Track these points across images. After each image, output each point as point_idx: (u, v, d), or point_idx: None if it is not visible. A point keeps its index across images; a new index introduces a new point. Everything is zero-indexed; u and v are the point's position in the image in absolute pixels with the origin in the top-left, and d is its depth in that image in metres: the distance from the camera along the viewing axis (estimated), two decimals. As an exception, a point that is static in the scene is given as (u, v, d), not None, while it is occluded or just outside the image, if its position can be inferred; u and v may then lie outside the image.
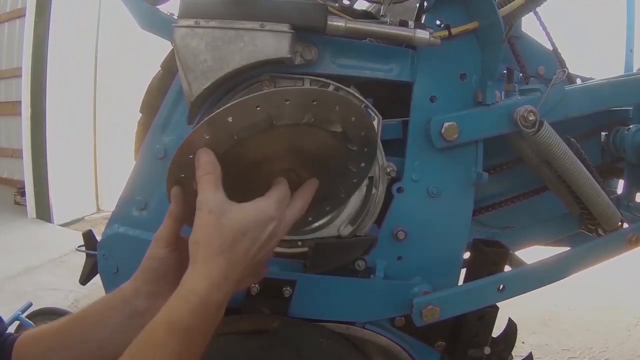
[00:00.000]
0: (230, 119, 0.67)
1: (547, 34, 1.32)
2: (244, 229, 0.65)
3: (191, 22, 0.83)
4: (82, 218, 4.74)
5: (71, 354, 0.74)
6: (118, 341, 0.69)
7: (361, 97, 0.93)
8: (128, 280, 0.76)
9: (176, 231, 0.75)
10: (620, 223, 1.06)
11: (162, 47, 1.00)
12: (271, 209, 0.68)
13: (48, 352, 0.74)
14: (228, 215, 0.65)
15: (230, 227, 0.64)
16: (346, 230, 0.94)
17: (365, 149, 0.79)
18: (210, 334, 0.64)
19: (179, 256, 0.74)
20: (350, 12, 0.99)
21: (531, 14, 1.15)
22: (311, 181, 0.77)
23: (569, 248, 1.13)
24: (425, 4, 0.97)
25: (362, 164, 0.81)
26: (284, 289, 0.95)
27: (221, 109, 0.68)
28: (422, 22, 0.96)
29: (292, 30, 0.83)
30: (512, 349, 1.14)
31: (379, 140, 0.93)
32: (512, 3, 1.00)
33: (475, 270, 1.04)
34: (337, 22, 0.85)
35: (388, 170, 0.93)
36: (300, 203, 0.74)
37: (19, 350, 0.75)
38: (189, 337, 0.60)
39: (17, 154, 4.92)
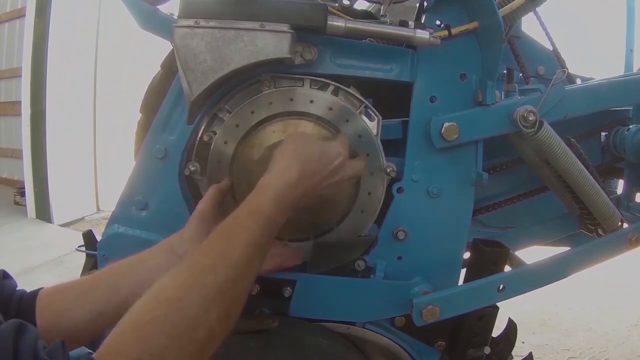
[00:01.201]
0: None
1: (547, 34, 1.32)
2: (319, 152, 0.81)
3: (191, 22, 0.83)
4: (82, 218, 4.73)
5: (99, 301, 0.76)
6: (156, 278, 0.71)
7: (361, 97, 0.94)
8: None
9: (223, 196, 0.90)
10: (620, 223, 1.06)
11: (162, 47, 1.00)
12: (340, 147, 0.84)
13: (75, 303, 0.75)
14: (308, 141, 0.83)
15: (309, 147, 0.81)
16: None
17: None
18: (279, 227, 0.75)
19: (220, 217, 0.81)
20: (350, 12, 0.99)
21: (531, 14, 1.15)
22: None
23: (569, 248, 1.13)
24: (425, 4, 0.97)
25: None
26: (284, 289, 0.95)
27: None
28: (422, 22, 0.96)
29: (292, 30, 0.83)
30: (512, 349, 1.14)
31: (378, 141, 0.93)
32: (512, 3, 1.00)
33: (475, 270, 1.03)
34: (337, 22, 0.85)
35: (388, 170, 0.93)
36: (361, 164, 0.88)
37: (42, 305, 0.74)
38: (266, 222, 0.71)
39: (17, 154, 4.92)
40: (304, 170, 0.78)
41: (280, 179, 0.76)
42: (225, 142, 0.92)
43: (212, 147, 0.93)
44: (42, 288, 0.77)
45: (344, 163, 0.84)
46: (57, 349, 0.51)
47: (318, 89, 0.92)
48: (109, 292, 0.77)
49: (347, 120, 0.91)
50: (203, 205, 0.87)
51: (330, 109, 0.91)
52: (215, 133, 0.93)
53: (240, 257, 0.66)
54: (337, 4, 0.95)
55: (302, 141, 0.83)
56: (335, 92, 0.93)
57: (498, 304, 1.02)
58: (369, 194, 0.94)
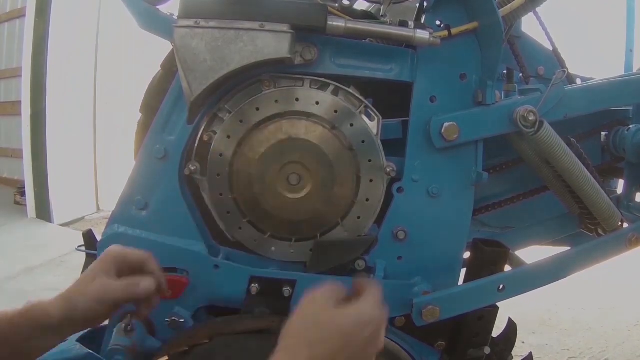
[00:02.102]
0: None
1: (547, 34, 1.32)
2: (341, 328, 0.64)
3: (191, 22, 0.83)
4: (82, 218, 4.73)
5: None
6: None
7: (361, 97, 0.94)
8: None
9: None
10: (620, 223, 1.06)
11: (162, 47, 1.00)
12: (378, 312, 0.67)
13: None
14: (328, 314, 0.66)
15: (327, 324, 0.65)
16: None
17: None
18: None
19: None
20: (350, 12, 0.99)
21: (531, 14, 1.15)
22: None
23: (569, 248, 1.13)
24: (425, 4, 0.97)
25: None
26: (284, 288, 0.95)
27: None
28: (422, 22, 0.96)
29: (292, 31, 0.83)
30: (512, 349, 1.14)
31: (378, 141, 0.93)
32: (512, 3, 1.00)
33: (475, 270, 1.04)
34: (337, 22, 0.85)
35: (388, 170, 0.93)
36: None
37: None
38: None
39: (17, 154, 4.92)
40: (315, 356, 0.63)
41: None
42: (228, 137, 0.92)
43: (212, 145, 0.93)
44: None
45: (380, 324, 0.67)
46: None
47: (318, 89, 0.92)
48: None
49: (352, 125, 0.91)
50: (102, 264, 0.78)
51: (336, 111, 0.91)
52: (215, 133, 0.93)
53: None
54: (337, 4, 0.95)
55: (321, 314, 0.67)
56: (335, 92, 0.93)
57: (498, 304, 1.02)
58: (367, 200, 0.94)
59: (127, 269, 0.80)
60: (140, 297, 0.79)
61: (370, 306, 0.67)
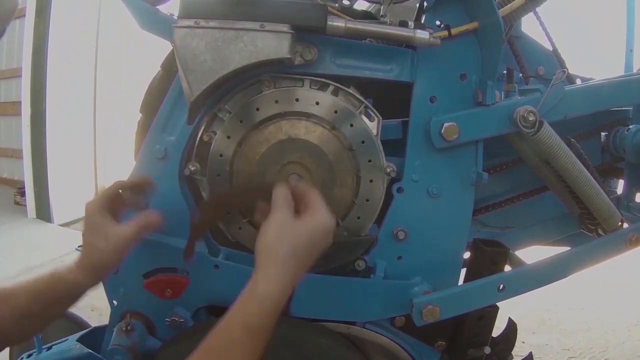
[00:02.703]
0: None
1: (547, 34, 1.32)
2: (314, 237, 0.74)
3: (191, 22, 0.83)
4: (82, 218, 4.73)
5: (22, 307, 0.80)
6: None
7: (361, 98, 0.94)
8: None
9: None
10: (620, 223, 1.06)
11: (162, 47, 1.00)
12: (331, 220, 0.77)
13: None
14: (299, 226, 0.73)
15: (304, 235, 0.73)
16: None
17: None
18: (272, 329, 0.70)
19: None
20: (350, 13, 0.99)
21: (531, 14, 1.15)
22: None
23: (569, 248, 1.13)
24: (425, 4, 0.97)
25: None
26: (284, 289, 0.95)
27: None
28: (422, 22, 0.96)
29: (292, 31, 0.83)
30: (512, 348, 1.14)
31: (378, 141, 0.93)
32: (512, 3, 1.00)
33: (475, 270, 1.04)
34: (337, 23, 0.85)
35: (388, 170, 0.93)
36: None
37: None
38: (261, 335, 0.68)
39: (17, 154, 4.91)
40: (301, 265, 0.73)
41: (277, 284, 0.70)
42: (228, 137, 0.92)
43: (212, 145, 0.93)
44: None
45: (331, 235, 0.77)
46: None
47: (318, 89, 0.92)
48: (40, 324, 0.84)
49: (352, 125, 0.91)
50: (99, 196, 0.87)
51: (336, 111, 0.91)
52: (215, 133, 0.93)
53: None
54: (337, 4, 0.95)
55: (294, 227, 0.74)
56: (335, 93, 0.93)
57: (498, 304, 1.02)
58: (367, 200, 0.95)
59: (117, 207, 0.89)
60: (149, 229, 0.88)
61: (323, 213, 0.76)
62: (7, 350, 1.54)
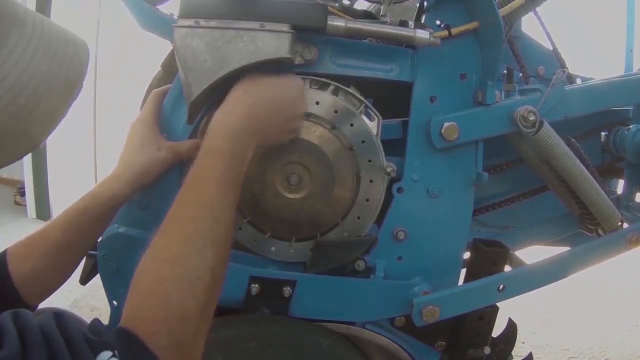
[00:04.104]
0: None
1: (547, 34, 1.32)
2: (269, 84, 0.82)
3: (191, 22, 0.83)
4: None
5: (68, 265, 0.87)
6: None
7: (361, 97, 0.94)
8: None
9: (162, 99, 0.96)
10: (620, 223, 1.06)
11: (162, 47, 1.00)
12: (294, 81, 0.85)
13: (47, 266, 0.83)
14: (260, 79, 0.82)
15: (260, 82, 0.81)
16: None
17: None
18: (246, 160, 0.77)
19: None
20: (351, 12, 0.99)
21: (531, 14, 1.15)
22: None
23: (569, 248, 1.13)
24: (425, 4, 0.97)
25: None
26: (284, 289, 0.95)
27: None
28: (422, 22, 0.96)
29: (292, 30, 0.83)
30: (512, 349, 1.14)
31: (378, 141, 0.93)
32: (512, 3, 1.00)
33: (475, 270, 1.04)
34: (337, 22, 0.85)
35: (388, 170, 0.93)
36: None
37: (15, 263, 0.81)
38: (228, 158, 0.73)
39: (17, 154, 4.91)
40: (254, 100, 0.79)
41: (228, 115, 0.77)
42: None
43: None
44: (7, 248, 0.83)
45: (300, 95, 0.85)
46: (98, 328, 0.58)
47: (318, 88, 0.92)
48: (75, 256, 0.88)
49: (352, 125, 0.92)
50: (145, 112, 0.91)
51: (336, 111, 0.91)
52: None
53: (215, 197, 0.69)
54: (337, 4, 0.95)
55: (253, 80, 0.82)
56: (335, 92, 0.93)
57: (498, 304, 1.02)
58: (367, 200, 0.95)
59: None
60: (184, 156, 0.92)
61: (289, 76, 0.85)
62: (7, 350, 1.54)
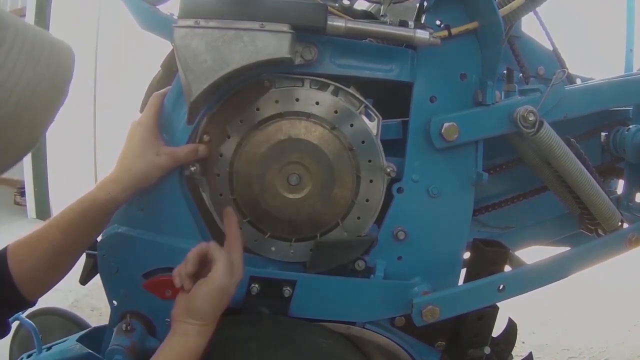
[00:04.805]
0: None
1: (547, 34, 1.32)
2: (214, 302, 0.82)
3: (191, 22, 0.83)
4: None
5: (70, 263, 0.88)
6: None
7: (361, 97, 0.94)
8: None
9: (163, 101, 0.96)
10: (620, 223, 1.06)
11: (162, 47, 1.00)
12: (242, 272, 0.87)
13: (48, 265, 0.84)
14: (228, 290, 0.83)
15: (228, 297, 0.84)
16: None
17: None
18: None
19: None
20: (350, 12, 0.99)
21: (531, 14, 1.15)
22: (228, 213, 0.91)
23: (569, 248, 1.13)
24: (425, 4, 0.97)
25: None
26: (284, 289, 0.95)
27: None
28: (422, 22, 0.96)
29: (292, 31, 0.83)
30: (512, 348, 1.14)
31: (378, 141, 0.93)
32: (512, 3, 0.99)
33: (475, 270, 1.04)
34: (337, 22, 0.85)
35: (388, 170, 0.93)
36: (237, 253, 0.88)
37: (15, 260, 0.82)
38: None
39: (17, 154, 4.91)
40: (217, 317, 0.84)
41: (203, 340, 0.82)
42: (228, 137, 0.92)
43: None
44: (7, 245, 0.84)
45: (234, 282, 0.85)
46: None
47: (318, 89, 0.92)
48: (73, 256, 0.89)
49: (352, 125, 0.92)
50: (145, 116, 0.92)
51: (336, 111, 0.91)
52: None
53: None
54: (337, 4, 0.95)
55: (219, 296, 0.83)
56: (335, 92, 0.93)
57: (498, 304, 1.02)
58: (366, 200, 0.95)
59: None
60: (183, 162, 0.92)
61: (241, 269, 0.86)
62: (7, 350, 1.55)
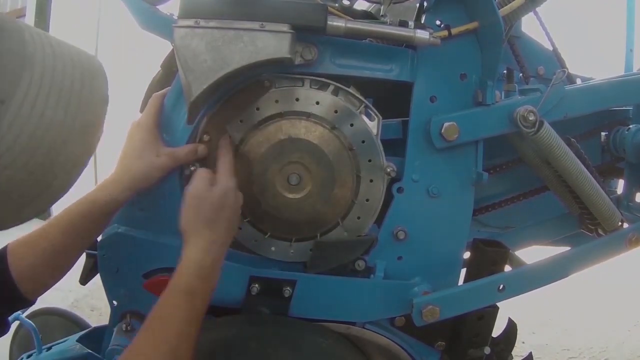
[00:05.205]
0: None
1: (547, 34, 1.32)
2: (219, 204, 0.83)
3: (191, 22, 0.83)
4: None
5: (69, 264, 0.89)
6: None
7: (361, 97, 0.94)
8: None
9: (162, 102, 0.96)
10: (620, 223, 1.06)
11: (162, 47, 1.00)
12: (228, 181, 0.86)
13: (47, 266, 0.85)
14: (206, 197, 0.83)
15: (210, 205, 0.83)
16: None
17: None
18: (210, 292, 0.81)
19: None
20: (350, 13, 0.99)
21: (531, 14, 1.15)
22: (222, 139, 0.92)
23: (569, 248, 1.13)
24: (425, 4, 0.97)
25: None
26: (284, 289, 0.95)
27: None
28: (422, 22, 0.96)
29: (292, 31, 0.83)
30: (512, 348, 1.14)
31: (378, 141, 0.93)
32: (512, 3, 0.99)
33: (475, 270, 1.03)
34: (337, 23, 0.85)
35: (388, 170, 0.93)
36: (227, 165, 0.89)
37: (15, 258, 0.83)
38: (192, 296, 0.77)
39: (17, 154, 4.91)
40: (214, 229, 0.83)
41: (195, 248, 0.81)
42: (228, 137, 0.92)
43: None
44: (8, 244, 0.85)
45: (235, 187, 0.87)
46: None
47: (318, 89, 0.92)
48: (72, 256, 0.89)
49: (352, 125, 0.92)
50: (145, 117, 0.92)
51: (336, 111, 0.91)
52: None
53: (177, 335, 0.74)
54: (337, 4, 0.95)
55: (202, 200, 0.84)
56: (335, 92, 0.93)
57: (498, 304, 1.02)
58: (367, 200, 0.95)
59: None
60: (183, 162, 0.92)
61: (222, 180, 0.86)
62: (6, 350, 1.55)
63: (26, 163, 0.48)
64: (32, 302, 0.87)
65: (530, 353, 1.19)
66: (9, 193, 0.49)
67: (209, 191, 0.84)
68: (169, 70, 1.01)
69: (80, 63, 0.56)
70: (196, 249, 0.81)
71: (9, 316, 0.88)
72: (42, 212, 0.54)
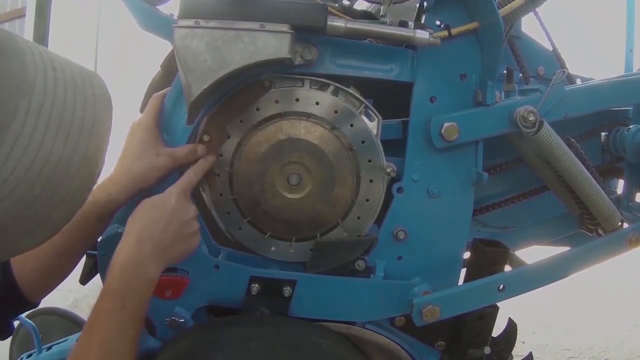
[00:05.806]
0: None
1: (547, 34, 1.32)
2: (147, 217, 0.83)
3: (191, 22, 0.83)
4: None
5: (71, 266, 0.90)
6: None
7: (361, 98, 0.94)
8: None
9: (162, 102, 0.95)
10: (620, 223, 1.06)
11: (162, 47, 1.00)
12: (175, 193, 0.85)
13: (51, 267, 0.87)
14: (149, 202, 0.84)
15: (145, 212, 0.84)
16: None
17: None
18: (143, 290, 0.80)
19: None
20: (350, 13, 0.99)
21: (531, 14, 1.15)
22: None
23: (569, 248, 1.13)
24: (425, 4, 0.97)
25: None
26: (284, 288, 0.95)
27: None
28: (422, 22, 0.96)
29: (292, 31, 0.83)
30: (512, 348, 1.14)
31: (378, 141, 0.93)
32: (512, 3, 1.00)
33: (475, 270, 1.04)
34: (337, 23, 0.85)
35: (388, 170, 0.94)
36: (188, 181, 0.89)
37: (17, 260, 0.84)
38: (120, 296, 0.77)
39: (17, 154, 4.91)
40: (141, 224, 0.82)
41: (120, 251, 0.80)
42: (228, 137, 0.92)
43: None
44: None
45: (177, 202, 0.85)
46: None
47: (318, 89, 0.92)
48: (74, 257, 0.90)
49: (352, 125, 0.92)
50: (145, 117, 0.92)
51: (336, 111, 0.91)
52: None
53: (108, 339, 0.75)
54: (337, 4, 0.95)
55: (142, 211, 0.84)
56: (335, 93, 0.93)
57: (498, 304, 1.02)
58: (367, 200, 0.95)
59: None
60: (182, 162, 0.91)
61: (174, 189, 0.85)
62: (6, 350, 1.55)
63: (23, 196, 0.47)
64: (36, 305, 0.88)
65: (530, 353, 1.19)
66: (5, 226, 0.47)
67: (157, 197, 0.85)
68: (169, 71, 1.01)
69: (83, 89, 0.53)
70: (121, 251, 0.81)
71: (13, 319, 0.88)
72: (40, 244, 0.53)
